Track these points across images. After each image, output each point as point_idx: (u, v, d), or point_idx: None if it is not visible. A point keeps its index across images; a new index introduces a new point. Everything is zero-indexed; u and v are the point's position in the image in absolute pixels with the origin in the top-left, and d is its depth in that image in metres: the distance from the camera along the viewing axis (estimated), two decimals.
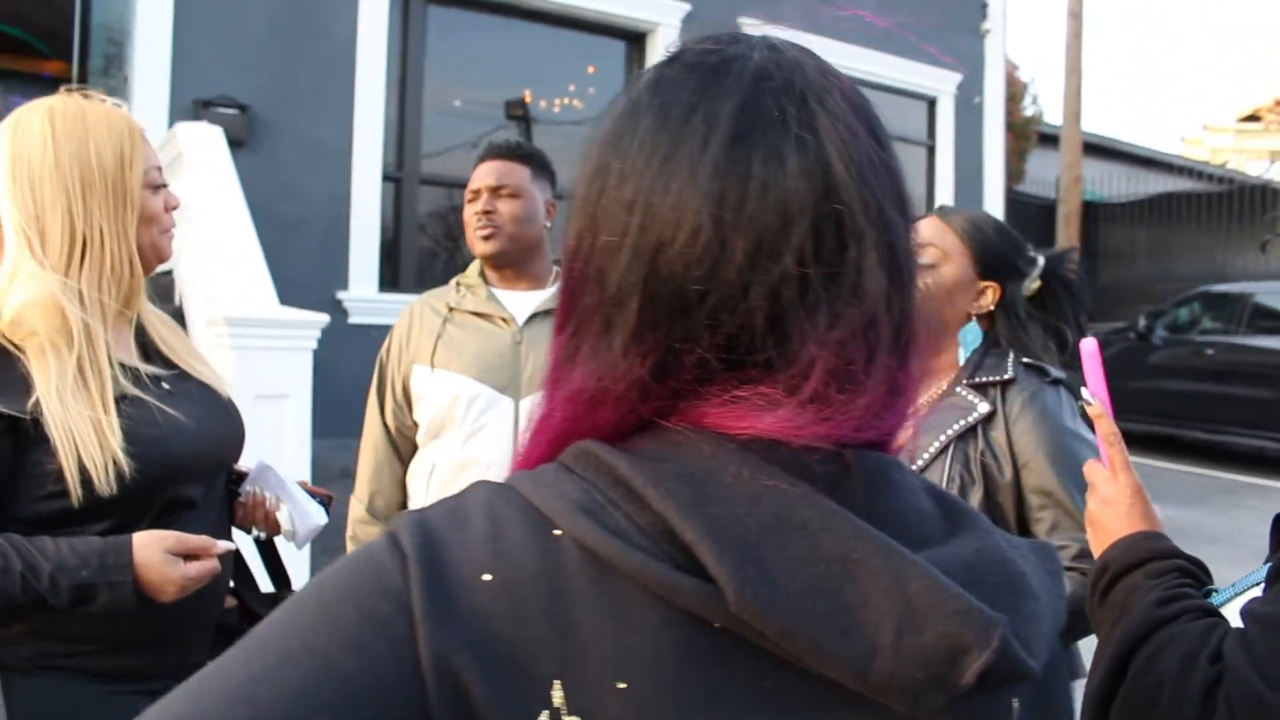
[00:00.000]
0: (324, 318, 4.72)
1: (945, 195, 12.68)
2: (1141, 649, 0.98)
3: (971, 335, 1.74)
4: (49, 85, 9.05)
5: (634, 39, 10.25)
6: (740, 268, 0.54)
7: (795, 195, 0.54)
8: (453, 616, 0.50)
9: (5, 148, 1.41)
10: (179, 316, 5.92)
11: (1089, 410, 1.21)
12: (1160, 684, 0.93)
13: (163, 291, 6.30)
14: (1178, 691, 0.91)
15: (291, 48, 7.62)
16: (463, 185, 2.38)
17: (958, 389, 1.69)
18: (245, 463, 1.69)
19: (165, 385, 1.48)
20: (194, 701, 0.49)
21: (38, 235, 1.38)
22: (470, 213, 2.28)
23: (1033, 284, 1.79)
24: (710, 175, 0.55)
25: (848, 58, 11.41)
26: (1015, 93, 15.39)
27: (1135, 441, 9.76)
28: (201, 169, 5.67)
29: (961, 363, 1.74)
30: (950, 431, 1.64)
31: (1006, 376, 1.67)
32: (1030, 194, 16.16)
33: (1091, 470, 1.21)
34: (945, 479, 1.61)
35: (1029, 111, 16.47)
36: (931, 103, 12.53)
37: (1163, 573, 1.06)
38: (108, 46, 8.34)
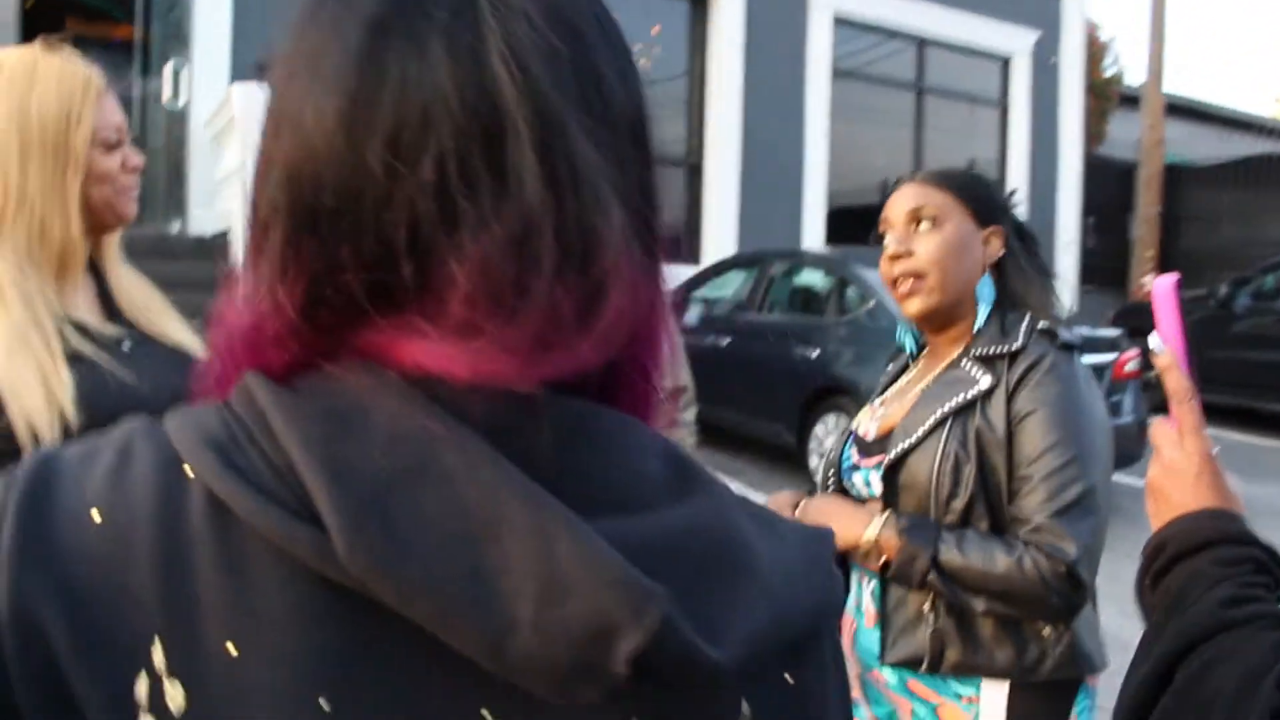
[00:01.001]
0: None
1: (1019, 158, 12.29)
2: (1196, 653, 0.83)
3: (987, 289, 1.64)
4: (120, 50, 9.19)
5: (697, 0, 10.06)
6: (375, 176, 0.46)
7: (436, 91, 0.47)
8: (44, 558, 0.44)
9: None
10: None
11: (1156, 361, 1.02)
12: (1212, 701, 0.79)
13: (221, 253, 6.36)
14: (1233, 715, 0.77)
15: None
16: None
17: (964, 361, 1.59)
18: None
19: (124, 347, 1.43)
20: None
21: None
22: None
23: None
24: (343, 72, 0.48)
25: (915, 16, 11.10)
26: (1095, 53, 14.88)
27: (1215, 414, 9.39)
28: (251, 130, 5.67)
29: (979, 323, 1.63)
30: (946, 407, 1.54)
31: (1015, 347, 1.55)
32: (1111, 156, 15.64)
33: (1157, 432, 1.01)
34: (940, 455, 1.52)
35: (1110, 72, 15.93)
36: (1005, 62, 12.12)
37: (1235, 562, 0.88)
38: (172, 10, 8.42)
